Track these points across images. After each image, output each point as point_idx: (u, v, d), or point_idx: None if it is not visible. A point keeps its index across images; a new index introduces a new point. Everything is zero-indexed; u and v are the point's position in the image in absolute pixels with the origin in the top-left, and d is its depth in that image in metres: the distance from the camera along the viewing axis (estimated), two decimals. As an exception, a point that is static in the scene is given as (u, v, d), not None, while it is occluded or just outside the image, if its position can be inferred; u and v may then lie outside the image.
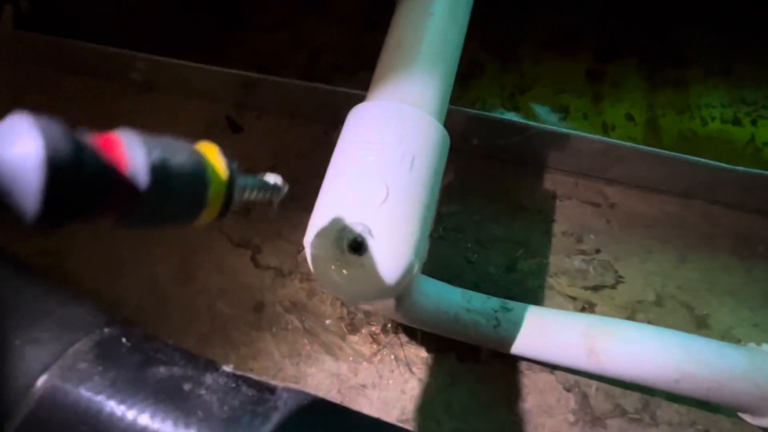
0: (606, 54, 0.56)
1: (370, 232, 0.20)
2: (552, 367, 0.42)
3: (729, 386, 0.29)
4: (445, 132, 0.24)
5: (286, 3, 0.66)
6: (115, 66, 0.60)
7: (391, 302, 0.35)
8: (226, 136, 0.59)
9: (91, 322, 0.20)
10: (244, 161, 0.62)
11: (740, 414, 0.34)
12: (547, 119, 0.53)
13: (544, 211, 0.49)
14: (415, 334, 0.45)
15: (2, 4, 0.56)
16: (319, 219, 0.21)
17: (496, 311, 0.39)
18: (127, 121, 0.64)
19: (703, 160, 0.43)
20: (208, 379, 0.21)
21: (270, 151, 0.57)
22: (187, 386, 0.20)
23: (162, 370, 0.20)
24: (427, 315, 0.39)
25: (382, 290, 0.20)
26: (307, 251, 0.22)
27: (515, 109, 0.54)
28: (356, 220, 0.20)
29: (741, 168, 0.43)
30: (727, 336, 0.42)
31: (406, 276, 0.21)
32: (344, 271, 0.20)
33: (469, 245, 0.48)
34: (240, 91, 0.58)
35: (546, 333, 0.35)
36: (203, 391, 0.20)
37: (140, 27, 0.66)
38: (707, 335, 0.42)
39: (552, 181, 0.50)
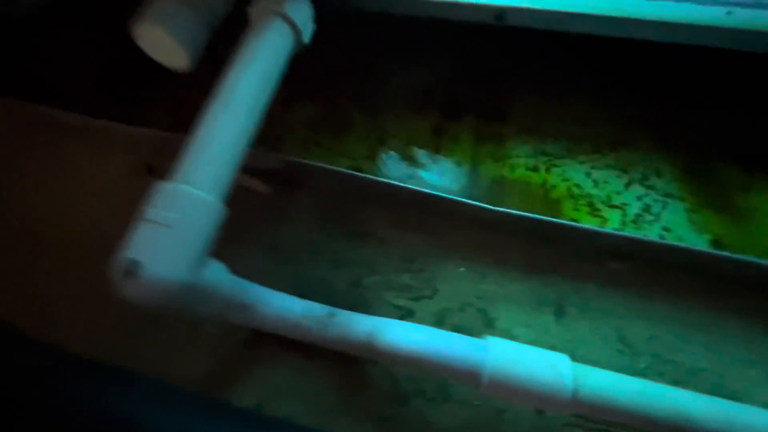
0: (449, 113, 0.72)
1: (138, 264, 0.32)
2: (373, 362, 0.55)
3: (450, 366, 0.42)
4: (213, 201, 0.37)
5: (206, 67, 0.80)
6: (51, 120, 0.73)
7: (241, 317, 0.47)
8: (146, 178, 0.72)
9: None
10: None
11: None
12: (395, 165, 0.67)
13: (386, 238, 0.62)
14: (279, 338, 0.57)
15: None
16: (116, 254, 0.34)
17: (325, 318, 0.52)
18: (58, 165, 0.77)
19: (497, 209, 0.57)
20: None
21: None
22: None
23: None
24: (273, 323, 0.52)
25: (155, 300, 0.33)
26: (110, 274, 0.34)
27: (374, 157, 0.68)
28: (131, 257, 0.33)
29: (524, 213, 0.57)
30: (506, 333, 0.56)
31: (169, 289, 0.33)
32: (126, 286, 0.33)
33: (325, 266, 0.61)
34: (157, 143, 0.71)
35: (348, 334, 0.48)
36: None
37: (75, 85, 0.79)
38: (493, 333, 0.56)
39: (393, 213, 0.64)
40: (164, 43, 0.40)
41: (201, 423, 0.31)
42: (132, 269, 0.32)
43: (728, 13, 0.46)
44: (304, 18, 0.47)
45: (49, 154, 0.75)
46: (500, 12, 0.52)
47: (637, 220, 0.60)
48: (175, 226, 0.33)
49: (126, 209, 0.73)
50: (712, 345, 0.54)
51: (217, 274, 0.39)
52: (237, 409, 0.34)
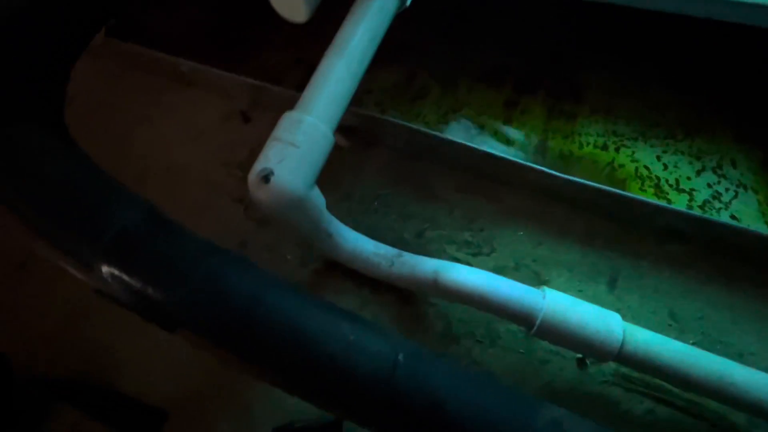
0: (522, 89, 0.74)
1: (272, 173, 0.40)
2: (430, 303, 0.61)
3: (508, 306, 0.47)
4: (327, 132, 0.44)
5: (293, 28, 0.87)
6: (164, 66, 0.84)
7: (324, 243, 0.55)
8: (239, 125, 0.81)
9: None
10: (250, 145, 0.87)
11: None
12: (466, 131, 0.71)
13: (450, 199, 0.67)
14: (346, 273, 0.64)
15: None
16: (255, 165, 0.41)
17: (393, 257, 0.58)
18: (167, 108, 0.89)
19: (563, 175, 0.60)
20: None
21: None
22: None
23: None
24: (348, 254, 0.59)
25: (279, 205, 0.40)
26: (249, 181, 0.42)
27: (446, 123, 0.73)
28: (267, 167, 0.40)
29: (593, 183, 0.60)
30: (558, 296, 0.59)
31: (291, 198, 0.40)
32: (260, 191, 0.40)
33: (393, 217, 0.68)
34: (252, 93, 0.79)
35: (414, 271, 0.54)
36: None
37: (186, 37, 0.89)
38: (544, 294, 0.59)
39: (460, 178, 0.68)
40: (291, -3, 0.47)
41: (312, 301, 0.38)
42: (267, 176, 0.39)
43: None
44: (410, -19, 0.52)
45: (157, 96, 0.86)
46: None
47: (704, 206, 0.61)
48: (301, 147, 0.40)
49: (217, 151, 0.83)
50: (765, 333, 0.55)
51: (320, 200, 0.46)
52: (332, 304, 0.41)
